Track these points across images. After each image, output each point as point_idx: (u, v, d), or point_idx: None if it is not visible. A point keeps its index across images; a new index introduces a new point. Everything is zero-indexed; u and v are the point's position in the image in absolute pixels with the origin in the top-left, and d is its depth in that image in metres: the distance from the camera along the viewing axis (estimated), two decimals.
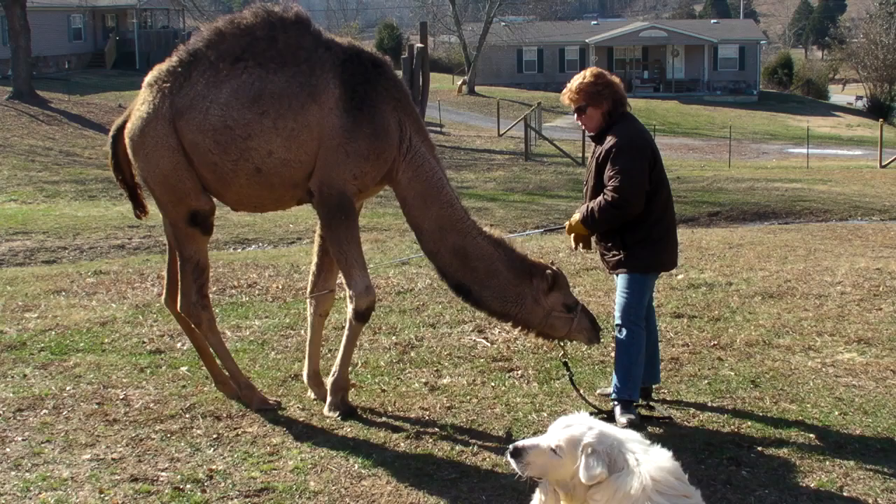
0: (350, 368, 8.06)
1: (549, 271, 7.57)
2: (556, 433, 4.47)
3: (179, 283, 7.98)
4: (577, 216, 7.50)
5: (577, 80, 7.54)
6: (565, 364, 7.84)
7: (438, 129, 51.31)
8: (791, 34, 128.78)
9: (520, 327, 7.81)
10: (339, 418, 7.58)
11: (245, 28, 7.67)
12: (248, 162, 7.51)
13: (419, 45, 45.71)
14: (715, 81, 77.68)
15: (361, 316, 7.69)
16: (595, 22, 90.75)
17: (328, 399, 7.77)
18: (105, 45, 68.60)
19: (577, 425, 4.48)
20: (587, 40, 78.69)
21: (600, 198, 7.33)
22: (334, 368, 7.83)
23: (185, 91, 7.55)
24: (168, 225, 7.98)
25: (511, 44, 78.05)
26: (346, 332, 7.86)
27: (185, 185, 7.62)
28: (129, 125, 7.79)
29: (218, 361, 8.08)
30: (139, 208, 8.44)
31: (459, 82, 72.72)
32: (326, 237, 7.76)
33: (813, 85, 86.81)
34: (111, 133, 8.08)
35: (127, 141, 7.80)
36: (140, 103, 7.73)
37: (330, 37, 7.78)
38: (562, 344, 7.86)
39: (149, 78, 7.79)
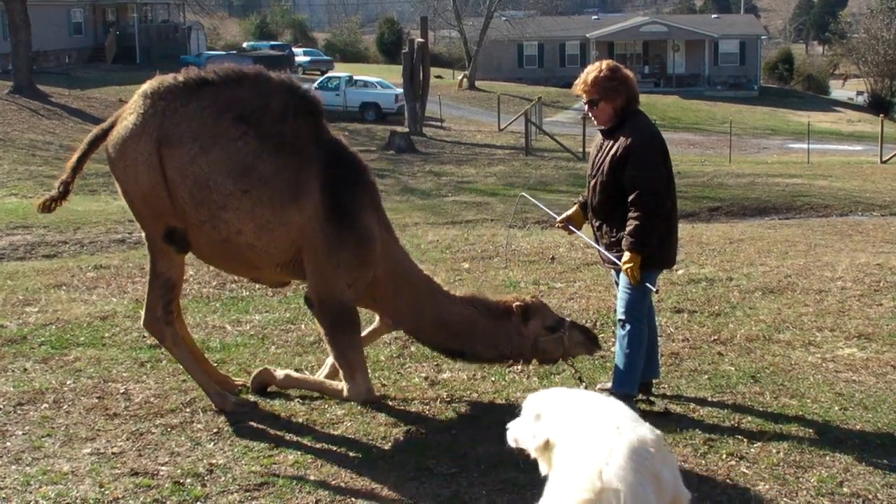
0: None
1: (516, 304, 7.74)
2: (529, 405, 4.50)
3: (146, 296, 7.79)
4: (627, 255, 7.22)
5: (592, 73, 7.41)
6: (580, 380, 7.87)
7: (439, 123, 51.30)
8: (792, 29, 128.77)
9: (519, 362, 8.02)
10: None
11: (265, 90, 7.46)
12: (216, 230, 7.38)
13: (420, 39, 45.76)
14: (715, 76, 77.66)
15: (351, 401, 7.74)
16: (596, 17, 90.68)
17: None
18: (105, 40, 68.58)
19: (543, 395, 4.49)
20: (588, 35, 78.62)
21: (631, 218, 7.17)
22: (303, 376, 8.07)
23: (178, 119, 7.28)
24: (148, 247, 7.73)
25: (512, 38, 78.06)
26: (332, 381, 7.95)
27: (164, 203, 7.37)
28: (114, 133, 7.50)
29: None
30: (54, 202, 7.84)
31: (460, 77, 72.71)
32: (328, 343, 7.77)
33: (813, 80, 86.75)
34: (94, 133, 7.76)
35: (109, 149, 7.51)
36: (129, 112, 7.46)
37: (325, 133, 7.65)
38: (570, 364, 7.95)
39: (147, 87, 7.49)
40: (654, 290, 7.32)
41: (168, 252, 7.58)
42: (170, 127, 7.26)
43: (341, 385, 7.74)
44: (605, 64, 7.49)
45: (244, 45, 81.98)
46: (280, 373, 8.04)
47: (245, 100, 7.36)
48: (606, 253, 7.47)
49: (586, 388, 7.74)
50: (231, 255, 7.63)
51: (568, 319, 7.93)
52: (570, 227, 7.94)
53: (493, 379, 8.32)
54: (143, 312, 7.86)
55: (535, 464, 6.57)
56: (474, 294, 8.08)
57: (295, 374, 8.09)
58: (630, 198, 7.18)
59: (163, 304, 7.64)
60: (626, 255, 7.23)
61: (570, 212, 7.97)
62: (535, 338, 7.72)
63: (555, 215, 8.18)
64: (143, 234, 7.76)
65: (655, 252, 7.32)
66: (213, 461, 6.65)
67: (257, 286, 11.67)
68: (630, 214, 7.20)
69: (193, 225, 7.40)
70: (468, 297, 7.95)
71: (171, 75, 7.55)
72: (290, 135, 7.40)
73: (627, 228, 7.22)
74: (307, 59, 76.15)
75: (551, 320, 7.78)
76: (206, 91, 7.37)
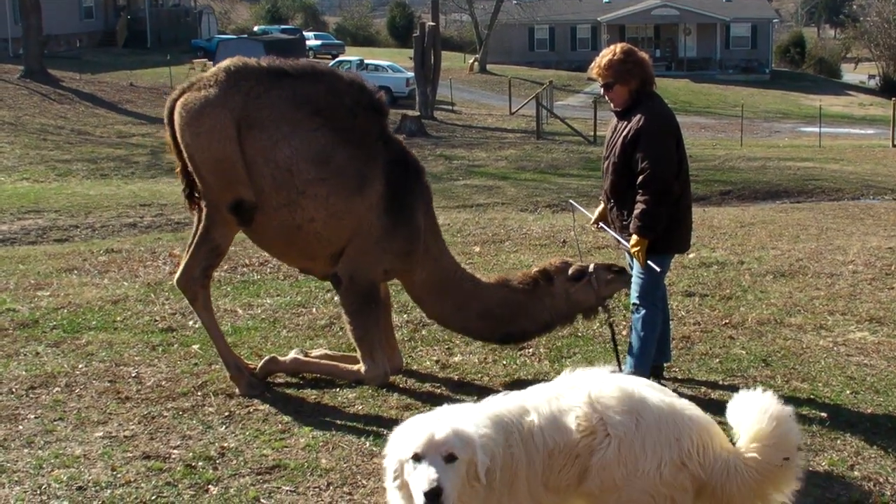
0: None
1: (535, 272, 8.02)
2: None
3: (186, 255, 7.93)
4: (634, 239, 7.29)
5: (606, 56, 7.44)
6: (610, 325, 7.93)
7: (450, 107, 51.23)
8: (804, 12, 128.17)
9: (564, 325, 8.21)
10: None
11: (338, 88, 7.76)
12: (291, 214, 7.61)
13: (431, 23, 45.68)
14: (727, 60, 77.35)
15: (367, 384, 7.81)
16: (607, 0, 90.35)
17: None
18: (116, 24, 68.53)
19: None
20: (599, 18, 78.37)
21: (639, 202, 7.21)
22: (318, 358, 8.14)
23: (262, 103, 7.53)
24: (205, 210, 7.79)
25: (523, 22, 77.84)
26: (345, 363, 8.06)
27: (236, 173, 7.53)
28: (187, 98, 7.61)
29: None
30: (192, 200, 8.00)
31: (471, 60, 72.50)
32: (350, 322, 7.88)
33: (825, 63, 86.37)
34: (167, 107, 7.81)
35: (181, 112, 7.60)
36: (208, 83, 7.60)
37: (389, 133, 7.99)
38: (604, 308, 8.01)
39: (229, 63, 7.70)
40: (658, 270, 7.31)
41: (229, 223, 7.74)
42: (252, 109, 7.52)
43: (356, 366, 7.79)
44: (619, 47, 7.52)
45: (255, 28, 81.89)
46: (288, 357, 8.10)
47: (320, 95, 7.68)
48: (625, 243, 7.46)
49: (614, 335, 7.86)
50: (295, 243, 7.83)
51: (592, 264, 8.02)
52: (603, 227, 7.93)
53: (504, 362, 8.33)
54: (178, 271, 7.95)
55: None
56: (502, 276, 8.32)
57: (303, 358, 8.12)
58: (639, 180, 7.19)
59: (202, 268, 7.81)
60: (634, 239, 7.27)
61: (599, 209, 7.99)
62: (565, 293, 7.90)
63: (589, 215, 8.20)
64: (205, 204, 7.78)
65: (666, 236, 7.32)
66: (225, 444, 6.67)
67: (268, 269, 11.68)
68: (638, 198, 7.22)
69: (270, 208, 7.61)
70: (499, 280, 8.19)
71: (254, 59, 7.83)
72: (358, 130, 7.69)
73: (635, 211, 7.24)
74: (318, 42, 75.97)
75: (574, 272, 7.92)
76: (286, 82, 7.65)
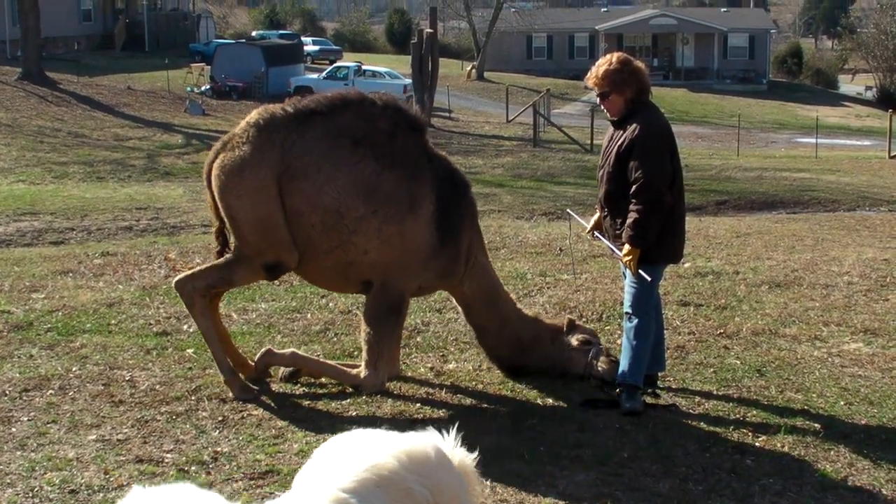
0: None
1: (567, 318, 8.32)
2: None
3: (199, 267, 7.94)
4: (626, 248, 7.32)
5: (602, 66, 7.46)
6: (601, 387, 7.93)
7: (447, 114, 51.28)
8: (801, 23, 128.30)
9: (560, 374, 8.18)
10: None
11: (371, 114, 7.69)
12: (345, 253, 7.59)
13: (429, 30, 45.64)
14: (724, 70, 77.44)
15: (362, 390, 7.78)
16: (605, 9, 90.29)
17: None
18: (114, 27, 68.45)
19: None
20: (597, 27, 78.45)
21: (632, 211, 7.24)
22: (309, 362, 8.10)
23: (299, 151, 7.46)
24: (236, 249, 7.75)
25: (521, 30, 77.88)
26: (342, 365, 8.05)
27: (279, 235, 7.53)
28: (225, 160, 7.55)
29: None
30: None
31: (469, 68, 72.55)
32: (366, 325, 7.81)
33: (822, 74, 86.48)
34: (206, 170, 7.76)
35: (219, 174, 7.55)
36: (242, 141, 7.54)
37: (431, 148, 7.94)
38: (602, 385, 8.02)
39: (257, 118, 7.61)
40: (649, 279, 7.32)
41: (257, 273, 7.81)
42: (291, 160, 7.45)
43: (356, 370, 7.78)
44: (615, 56, 7.57)
45: (253, 34, 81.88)
46: (286, 350, 8.18)
47: (354, 124, 7.61)
48: (618, 252, 7.47)
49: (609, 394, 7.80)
50: (350, 277, 7.85)
51: (601, 346, 8.14)
52: (598, 235, 7.98)
53: (497, 371, 8.32)
54: (181, 274, 7.98)
55: (540, 455, 6.60)
56: (537, 314, 8.51)
57: (302, 353, 8.15)
58: (632, 190, 7.21)
59: (208, 285, 7.77)
60: (625, 248, 7.30)
61: (594, 218, 8.02)
62: (566, 347, 8.04)
63: (586, 224, 8.22)
64: (237, 245, 7.72)
65: (660, 246, 7.34)
66: (218, 449, 6.66)
67: None
68: (631, 207, 7.25)
69: (321, 253, 7.61)
70: (535, 315, 8.40)
71: (279, 106, 7.76)
72: (400, 151, 7.65)
73: (627, 221, 7.28)
74: (316, 48, 76.01)
75: (582, 339, 8.07)
76: (317, 121, 7.58)
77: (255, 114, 7.69)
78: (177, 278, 7.95)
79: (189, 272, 7.89)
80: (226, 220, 7.67)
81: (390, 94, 8.20)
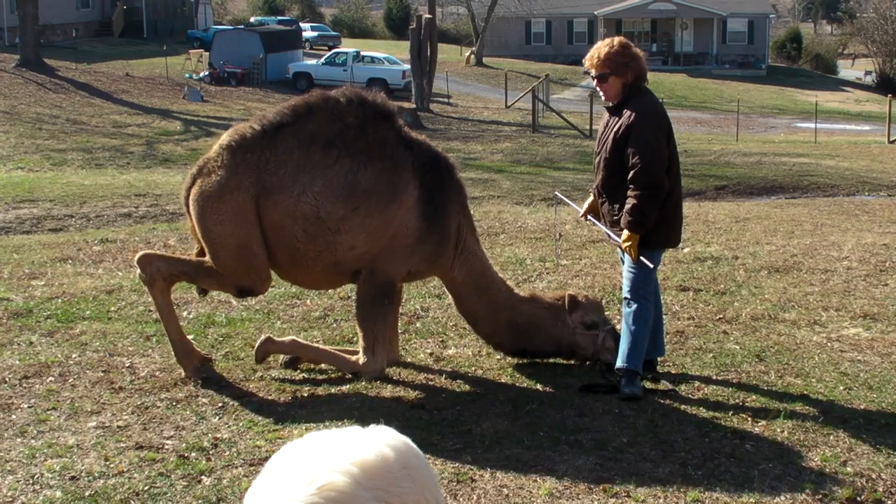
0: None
1: (568, 294, 8.20)
2: None
3: (176, 255, 7.94)
4: (625, 234, 7.33)
5: (604, 48, 7.45)
6: (602, 373, 7.94)
7: (446, 100, 51.19)
8: (800, 8, 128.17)
9: (570, 358, 8.22)
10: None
11: (338, 113, 7.66)
12: (331, 254, 7.60)
13: (427, 15, 45.65)
14: (723, 55, 77.30)
15: (362, 376, 7.80)
16: None
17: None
18: (112, 14, 68.35)
19: None
20: (596, 12, 78.25)
21: (630, 196, 7.25)
22: (306, 349, 8.10)
23: (273, 168, 7.48)
24: (212, 264, 7.73)
25: (519, 15, 77.70)
26: (338, 350, 8.14)
27: (257, 262, 7.59)
28: (202, 186, 7.56)
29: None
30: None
31: (467, 53, 72.42)
32: (359, 311, 7.85)
33: (822, 59, 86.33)
34: (183, 196, 7.79)
35: (197, 200, 7.56)
36: (217, 165, 7.55)
37: (407, 133, 7.88)
38: (601, 371, 8.00)
39: (228, 140, 7.61)
40: (651, 265, 7.33)
41: (227, 290, 7.98)
42: (267, 178, 7.48)
43: (355, 357, 7.79)
44: (616, 40, 7.57)
45: (252, 20, 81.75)
46: (286, 338, 8.19)
47: (323, 127, 7.59)
48: (615, 238, 7.48)
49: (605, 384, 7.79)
50: (343, 273, 7.87)
51: (610, 325, 8.13)
52: (591, 219, 8.00)
53: (497, 356, 8.33)
54: (150, 251, 8.01)
55: (539, 440, 6.61)
56: (534, 294, 8.40)
57: (302, 340, 8.16)
58: (629, 176, 7.22)
59: (172, 273, 7.78)
60: (625, 234, 7.31)
61: (588, 202, 8.02)
62: (573, 330, 8.02)
63: (578, 209, 8.23)
64: (211, 259, 7.72)
65: (657, 231, 7.35)
66: (218, 435, 6.67)
67: None
68: (629, 193, 7.26)
69: (308, 259, 7.64)
70: (530, 295, 8.33)
71: (247, 125, 7.73)
72: (374, 143, 7.62)
73: (626, 207, 7.29)
74: (314, 34, 75.86)
75: (591, 320, 8.04)
76: (286, 132, 7.56)
77: (226, 136, 7.70)
78: (143, 253, 7.93)
79: (159, 252, 7.91)
80: (204, 245, 7.70)
81: (353, 88, 8.11)
